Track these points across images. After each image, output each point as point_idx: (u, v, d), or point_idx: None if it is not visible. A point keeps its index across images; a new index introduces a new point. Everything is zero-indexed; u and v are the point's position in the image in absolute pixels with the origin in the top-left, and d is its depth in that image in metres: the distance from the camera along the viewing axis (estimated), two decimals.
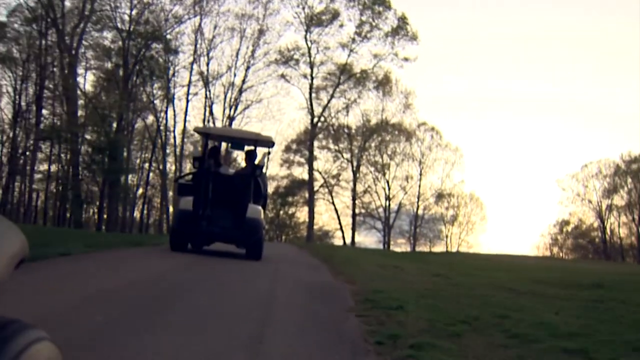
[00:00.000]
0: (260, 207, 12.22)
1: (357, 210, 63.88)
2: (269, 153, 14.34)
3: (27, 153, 38.20)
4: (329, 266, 13.77)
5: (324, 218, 69.77)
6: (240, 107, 54.29)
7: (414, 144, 66.80)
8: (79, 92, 42.03)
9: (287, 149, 64.83)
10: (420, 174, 68.70)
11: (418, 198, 69.61)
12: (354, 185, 60.87)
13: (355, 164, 60.84)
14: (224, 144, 18.32)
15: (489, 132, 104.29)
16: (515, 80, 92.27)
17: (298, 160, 65.42)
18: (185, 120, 49.89)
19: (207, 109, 53.07)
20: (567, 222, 78.46)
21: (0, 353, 1.18)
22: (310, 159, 56.11)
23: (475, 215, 77.77)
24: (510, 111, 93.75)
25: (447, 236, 77.58)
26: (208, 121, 53.01)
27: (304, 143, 63.44)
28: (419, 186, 69.13)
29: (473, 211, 77.55)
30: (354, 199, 60.71)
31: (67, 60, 36.77)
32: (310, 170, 56.61)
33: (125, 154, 40.72)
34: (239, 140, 13.86)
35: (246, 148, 13.74)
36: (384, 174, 66.40)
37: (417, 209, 70.20)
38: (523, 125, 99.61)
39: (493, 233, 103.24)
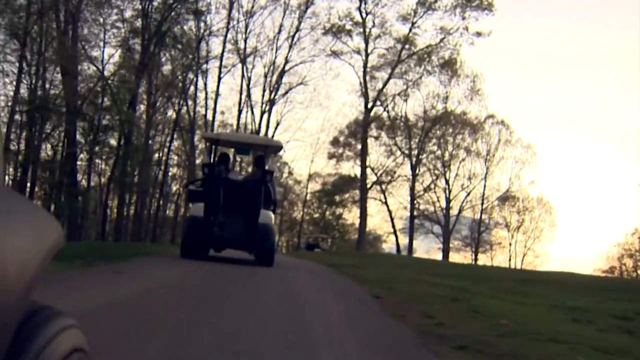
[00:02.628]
0: (271, 213, 12.00)
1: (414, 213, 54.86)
2: (275, 155, 14.45)
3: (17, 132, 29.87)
4: None
5: (374, 220, 61.02)
6: (282, 90, 45.70)
7: (479, 138, 57.57)
8: (89, 63, 33.81)
9: (335, 141, 56.16)
10: (486, 174, 59.36)
11: (482, 200, 60.26)
12: (413, 183, 51.64)
13: (414, 159, 51.61)
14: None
15: (561, 127, 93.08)
16: (592, 70, 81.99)
17: (347, 154, 56.74)
18: (216, 102, 41.37)
19: (244, 92, 44.58)
20: None
21: (32, 338, 1.20)
22: (364, 150, 47.13)
23: (543, 222, 67.99)
24: (586, 106, 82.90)
25: (510, 244, 67.88)
26: (245, 104, 44.58)
27: (355, 135, 54.66)
28: (484, 187, 59.81)
29: (541, 216, 67.74)
30: (412, 200, 51.48)
31: (62, 14, 28.42)
32: (363, 164, 47.65)
33: (136, 137, 32.24)
34: (248, 145, 13.91)
35: (253, 154, 13.92)
36: (445, 172, 57.30)
37: (482, 212, 60.81)
38: (601, 122, 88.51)
39: (562, 241, 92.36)
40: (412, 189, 51.50)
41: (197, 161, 42.57)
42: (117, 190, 34.74)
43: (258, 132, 46.28)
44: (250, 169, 29.37)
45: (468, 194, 59.31)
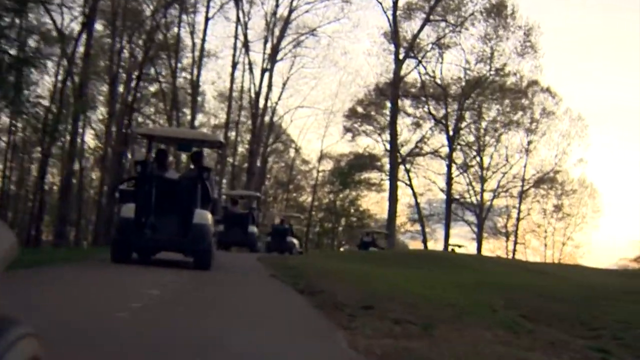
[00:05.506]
0: (208, 213, 11.07)
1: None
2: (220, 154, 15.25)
3: None
4: None
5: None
6: (286, 42, 35.07)
7: (521, 108, 46.63)
8: None
9: (352, 113, 45.26)
10: (527, 150, 48.53)
11: (523, 182, 49.42)
12: (450, 160, 40.84)
13: (451, 130, 40.74)
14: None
15: (614, 102, 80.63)
16: None
17: (366, 129, 45.91)
18: (202, 49, 30.84)
19: (241, 42, 33.97)
20: None
21: None
22: (394, 113, 36.27)
23: (586, 207, 57.26)
24: None
25: (546, 231, 57.11)
26: (241, 58, 33.95)
27: (377, 105, 43.90)
28: (525, 166, 49.00)
29: (583, 201, 56.98)
30: (449, 180, 40.70)
31: None
32: (393, 131, 36.82)
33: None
34: (183, 141, 12.38)
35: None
36: (480, 150, 46.55)
37: (521, 195, 49.99)
38: None
39: (609, 229, 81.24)
40: (450, 167, 40.74)
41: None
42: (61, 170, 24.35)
43: (257, 95, 35.73)
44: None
45: (504, 174, 48.80)
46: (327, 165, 49.73)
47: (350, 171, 47.03)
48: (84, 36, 23.62)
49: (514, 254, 50.17)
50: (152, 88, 35.23)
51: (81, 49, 23.94)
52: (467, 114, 41.55)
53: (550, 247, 57.98)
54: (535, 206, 54.68)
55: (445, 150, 41.97)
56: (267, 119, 39.33)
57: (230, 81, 34.97)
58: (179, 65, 32.82)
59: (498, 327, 6.32)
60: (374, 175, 48.21)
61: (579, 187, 56.47)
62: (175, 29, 31.20)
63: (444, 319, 6.38)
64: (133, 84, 30.59)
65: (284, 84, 37.79)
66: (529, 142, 48.23)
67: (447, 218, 40.38)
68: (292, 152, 48.88)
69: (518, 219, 50.71)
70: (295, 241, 25.18)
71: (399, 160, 41.55)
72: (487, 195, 48.95)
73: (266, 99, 36.29)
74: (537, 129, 47.91)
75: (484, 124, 44.82)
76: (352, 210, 52.33)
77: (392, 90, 34.90)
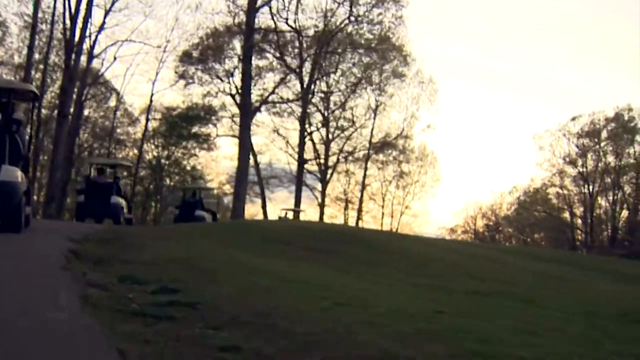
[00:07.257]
0: (18, 169, 9.97)
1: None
2: (33, 107, 13.57)
3: None
4: None
5: (225, 166, 44.53)
6: None
7: (371, 66, 42.26)
8: None
9: (186, 56, 38.49)
10: (375, 112, 44.53)
11: (370, 145, 45.42)
12: (303, 117, 35.56)
13: (305, 84, 35.39)
14: None
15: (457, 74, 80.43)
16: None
17: (201, 76, 39.43)
18: None
19: None
20: (538, 190, 56.90)
21: None
22: (249, 49, 30.02)
23: (426, 176, 54.91)
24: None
25: (383, 199, 53.97)
26: None
27: (214, 50, 37.57)
28: (372, 129, 45.01)
29: (423, 169, 54.50)
30: (302, 139, 35.43)
31: None
32: (247, 71, 30.53)
33: None
34: None
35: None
36: (328, 110, 41.80)
37: (367, 159, 46.05)
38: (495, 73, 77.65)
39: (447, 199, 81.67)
40: (303, 123, 35.46)
41: None
42: None
43: (73, 21, 28.14)
44: None
45: (349, 136, 44.55)
46: (156, 116, 42.62)
47: (182, 124, 40.44)
48: None
49: (357, 222, 46.51)
50: None
51: None
52: (322, 65, 36.47)
53: (388, 215, 55.35)
54: (377, 173, 51.51)
55: (294, 106, 36.85)
56: (84, 57, 31.78)
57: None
58: None
59: None
60: (207, 130, 42.01)
61: (420, 154, 54.05)
62: None
63: None
64: None
65: (108, 11, 30.39)
66: (377, 104, 44.41)
67: (298, 181, 35.26)
68: (114, 99, 41.18)
69: (363, 185, 46.93)
70: (205, 215, 22.70)
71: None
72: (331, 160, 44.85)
73: (83, 28, 28.76)
74: (386, 90, 44.13)
75: (334, 78, 40.09)
76: (180, 169, 45.73)
77: (247, 20, 28.64)
